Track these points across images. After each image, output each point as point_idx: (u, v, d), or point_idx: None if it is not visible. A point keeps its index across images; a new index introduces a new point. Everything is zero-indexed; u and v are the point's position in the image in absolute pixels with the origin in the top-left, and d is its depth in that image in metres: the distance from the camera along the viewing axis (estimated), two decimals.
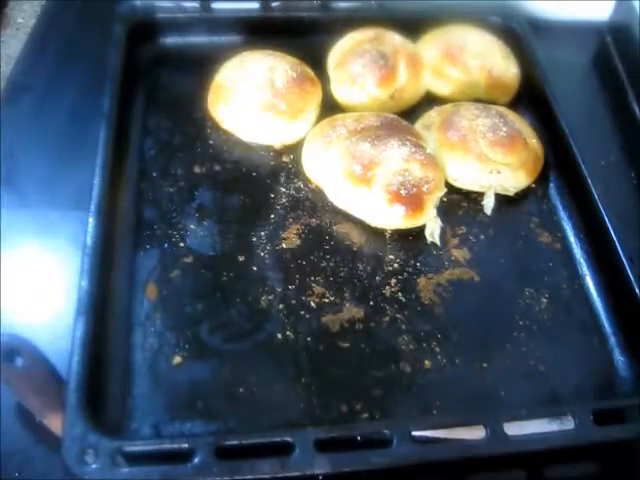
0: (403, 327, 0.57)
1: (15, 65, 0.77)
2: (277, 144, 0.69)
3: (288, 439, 0.48)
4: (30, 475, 0.50)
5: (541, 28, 0.81)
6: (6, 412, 0.52)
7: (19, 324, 0.57)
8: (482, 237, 0.64)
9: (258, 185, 0.66)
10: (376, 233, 0.63)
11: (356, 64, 0.72)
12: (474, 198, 0.67)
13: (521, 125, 0.69)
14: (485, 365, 0.56)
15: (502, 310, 0.60)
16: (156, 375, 0.53)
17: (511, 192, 0.67)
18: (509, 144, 0.66)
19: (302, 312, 0.57)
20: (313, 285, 0.59)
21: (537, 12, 0.84)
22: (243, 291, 0.59)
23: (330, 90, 0.74)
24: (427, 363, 0.56)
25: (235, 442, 0.48)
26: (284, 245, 0.62)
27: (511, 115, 0.70)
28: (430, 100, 0.75)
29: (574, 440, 0.50)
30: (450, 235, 0.64)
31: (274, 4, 0.78)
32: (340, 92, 0.73)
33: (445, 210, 0.64)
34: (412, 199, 0.61)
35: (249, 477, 0.46)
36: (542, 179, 0.69)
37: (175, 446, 0.47)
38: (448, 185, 0.65)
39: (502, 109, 0.70)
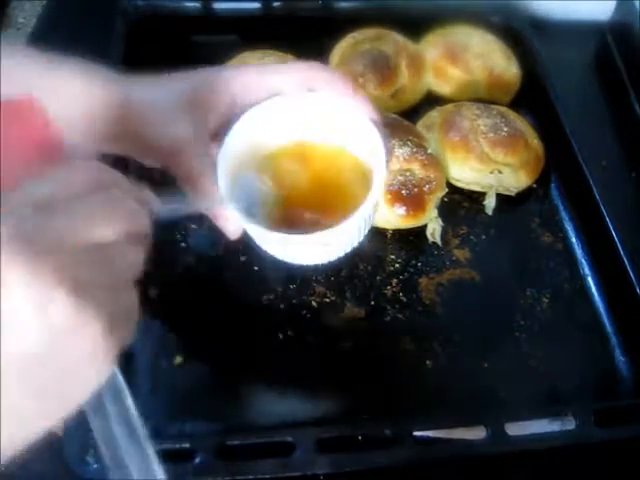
0: (404, 327, 0.57)
1: None
2: None
3: (289, 439, 0.48)
4: (31, 475, 0.50)
5: (542, 28, 0.81)
6: None
7: None
8: (483, 237, 0.64)
9: None
10: (377, 233, 0.63)
11: (357, 64, 0.72)
12: (475, 198, 0.67)
13: (522, 125, 0.69)
14: (486, 365, 0.56)
15: (503, 310, 0.60)
16: (157, 375, 0.53)
17: (512, 192, 0.67)
18: (510, 144, 0.66)
19: (303, 312, 0.58)
20: (314, 285, 0.59)
21: (538, 12, 0.84)
22: (244, 291, 0.59)
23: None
24: (428, 363, 0.56)
25: (236, 442, 0.48)
26: None
27: (512, 115, 0.70)
28: (431, 100, 0.75)
29: (575, 440, 0.50)
30: (451, 235, 0.64)
31: (275, 4, 0.78)
32: None
33: (446, 210, 0.64)
34: (413, 199, 0.61)
35: (250, 477, 0.46)
36: (543, 179, 0.69)
37: (176, 446, 0.47)
38: (449, 185, 0.65)
39: (503, 109, 0.70)
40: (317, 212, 0.46)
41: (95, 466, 0.45)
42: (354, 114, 0.45)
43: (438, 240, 0.63)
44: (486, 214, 0.66)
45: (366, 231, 0.47)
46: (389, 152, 0.46)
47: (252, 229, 0.44)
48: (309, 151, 0.48)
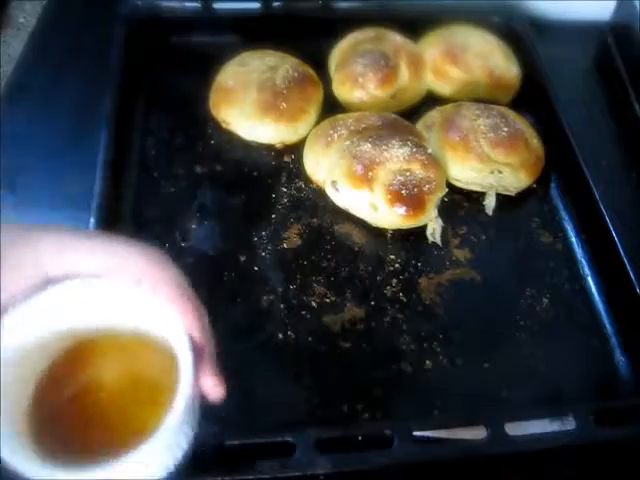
0: (404, 327, 0.57)
1: (16, 65, 0.77)
2: (278, 144, 0.69)
3: (289, 439, 0.48)
4: None
5: (542, 28, 0.81)
6: None
7: None
8: (483, 237, 0.64)
9: (259, 185, 0.66)
10: (377, 233, 0.63)
11: (357, 64, 0.72)
12: (475, 198, 0.67)
13: (522, 125, 0.69)
14: (486, 365, 0.56)
15: (503, 310, 0.60)
16: None
17: (512, 192, 0.67)
18: (510, 144, 0.66)
19: (303, 312, 0.58)
20: (314, 285, 0.59)
21: (538, 12, 0.84)
22: (244, 291, 0.59)
23: (331, 90, 0.74)
24: (428, 363, 0.56)
25: (236, 442, 0.48)
26: (285, 245, 0.62)
27: (512, 115, 0.70)
28: (431, 100, 0.75)
29: (575, 440, 0.50)
30: (451, 235, 0.64)
31: (275, 4, 0.78)
32: (341, 92, 0.73)
33: (446, 210, 0.64)
34: (413, 199, 0.61)
35: (250, 477, 0.46)
36: (543, 179, 0.69)
37: None
38: (449, 185, 0.65)
39: (503, 109, 0.70)
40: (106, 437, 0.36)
41: None
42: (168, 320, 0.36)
43: (438, 240, 0.63)
44: (486, 214, 0.66)
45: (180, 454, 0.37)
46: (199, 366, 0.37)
47: None
48: (102, 355, 0.39)
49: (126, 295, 0.37)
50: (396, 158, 0.62)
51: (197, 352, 0.36)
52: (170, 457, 0.36)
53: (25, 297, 0.35)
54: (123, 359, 0.39)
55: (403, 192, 0.61)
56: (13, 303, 0.35)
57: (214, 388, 0.38)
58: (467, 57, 0.74)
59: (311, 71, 0.73)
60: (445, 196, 0.64)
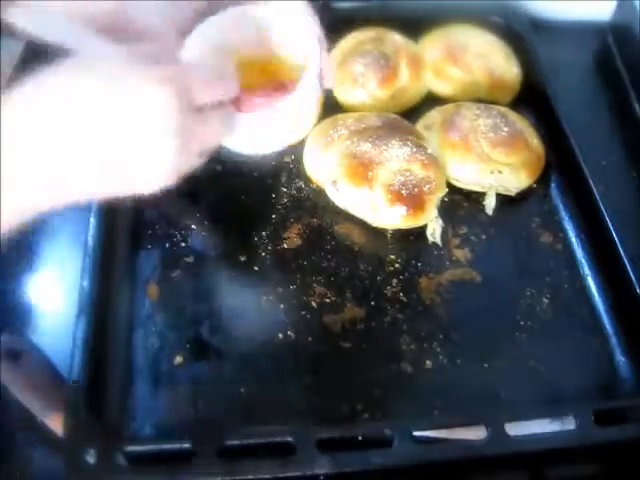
0: (404, 327, 0.57)
1: (16, 65, 0.77)
2: None
3: (289, 439, 0.48)
4: (31, 475, 0.50)
5: (542, 28, 0.81)
6: (6, 412, 0.52)
7: (20, 324, 0.57)
8: (483, 237, 0.64)
9: (259, 185, 0.66)
10: (377, 233, 0.63)
11: (357, 64, 0.72)
12: (475, 198, 0.67)
13: (522, 125, 0.69)
14: (486, 365, 0.56)
15: (503, 310, 0.60)
16: (157, 375, 0.53)
17: (512, 192, 0.67)
18: (510, 144, 0.66)
19: (303, 312, 0.58)
20: (314, 285, 0.59)
21: (538, 12, 0.84)
22: (244, 291, 0.59)
23: (331, 90, 0.74)
24: (428, 363, 0.56)
25: (236, 442, 0.48)
26: (285, 245, 0.62)
27: (512, 115, 0.70)
28: (431, 100, 0.75)
29: (575, 440, 0.50)
30: (451, 235, 0.64)
31: None
32: (341, 92, 0.73)
33: (446, 210, 0.64)
34: (413, 199, 0.61)
35: (250, 477, 0.46)
36: (543, 179, 0.69)
37: (176, 446, 0.47)
38: (449, 185, 0.65)
39: (503, 109, 0.70)
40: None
41: (96, 466, 0.45)
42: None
43: (438, 240, 0.63)
44: (486, 214, 0.66)
45: (311, 115, 0.56)
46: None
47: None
48: (257, 59, 0.57)
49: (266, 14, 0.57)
50: (396, 158, 0.62)
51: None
52: (316, 94, 0.55)
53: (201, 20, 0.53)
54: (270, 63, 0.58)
55: (403, 192, 0.61)
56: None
57: (330, 72, 0.56)
58: (467, 57, 0.74)
59: None
60: (445, 196, 0.64)
